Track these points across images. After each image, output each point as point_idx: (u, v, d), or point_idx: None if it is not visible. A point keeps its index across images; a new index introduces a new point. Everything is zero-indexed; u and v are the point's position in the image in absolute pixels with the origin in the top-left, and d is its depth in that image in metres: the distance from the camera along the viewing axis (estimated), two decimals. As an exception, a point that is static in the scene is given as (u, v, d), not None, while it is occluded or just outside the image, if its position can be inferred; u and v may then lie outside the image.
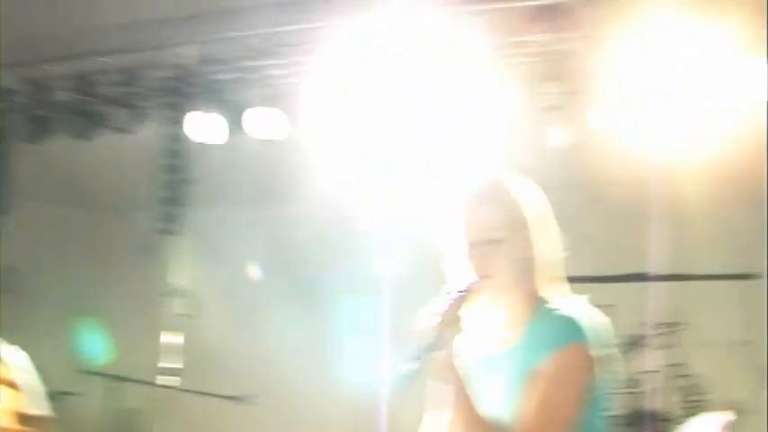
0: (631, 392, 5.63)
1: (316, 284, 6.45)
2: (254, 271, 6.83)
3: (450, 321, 2.00)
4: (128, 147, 5.70)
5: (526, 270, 2.07)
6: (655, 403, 5.62)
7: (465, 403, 2.01)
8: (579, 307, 2.05)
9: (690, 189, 5.13)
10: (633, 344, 5.61)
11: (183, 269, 6.67)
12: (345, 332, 6.42)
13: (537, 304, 2.07)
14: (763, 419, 5.45)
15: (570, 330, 1.97)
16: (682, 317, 5.64)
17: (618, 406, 5.66)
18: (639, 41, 4.48)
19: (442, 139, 4.94)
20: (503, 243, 2.05)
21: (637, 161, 4.90)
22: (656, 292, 5.60)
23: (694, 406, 5.20)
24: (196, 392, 6.37)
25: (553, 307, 2.04)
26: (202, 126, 5.30)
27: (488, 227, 2.06)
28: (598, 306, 2.06)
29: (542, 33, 4.69)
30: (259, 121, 5.20)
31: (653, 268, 5.52)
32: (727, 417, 2.05)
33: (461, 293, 2.03)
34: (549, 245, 2.10)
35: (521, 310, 2.07)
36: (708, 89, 4.58)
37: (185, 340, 6.57)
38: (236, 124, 5.24)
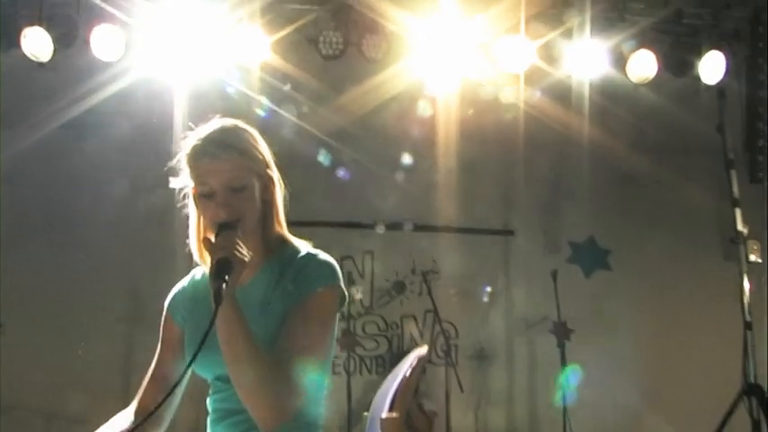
0: (391, 335, 6.01)
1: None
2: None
3: (233, 251, 1.92)
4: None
5: (270, 209, 2.14)
6: (412, 345, 6.01)
7: None
8: (319, 250, 2.15)
9: (462, 148, 5.49)
10: (393, 289, 5.99)
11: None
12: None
13: (281, 242, 2.16)
14: (506, 362, 6.04)
15: (328, 273, 2.09)
16: (437, 266, 6.04)
17: (379, 347, 6.08)
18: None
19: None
20: (249, 188, 2.07)
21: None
22: (412, 242, 5.93)
23: (447, 348, 5.59)
24: None
25: (308, 251, 2.14)
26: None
27: (235, 175, 2.04)
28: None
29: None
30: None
31: (410, 219, 5.87)
32: (423, 349, 2.27)
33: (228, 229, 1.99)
34: (281, 189, 2.18)
35: (262, 249, 2.12)
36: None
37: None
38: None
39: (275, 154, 2.18)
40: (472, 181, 5.85)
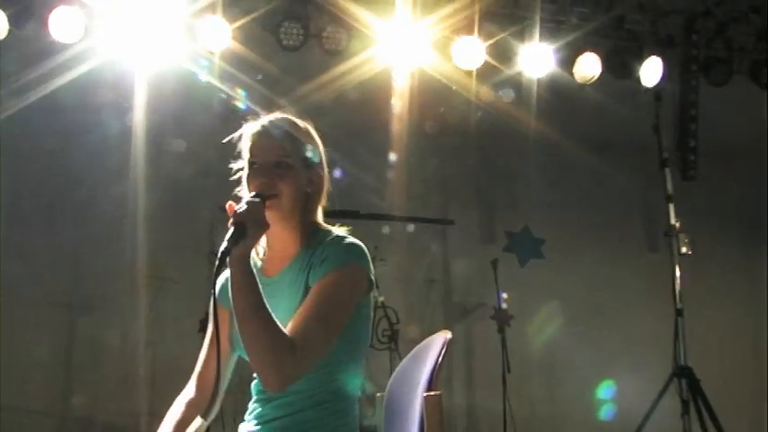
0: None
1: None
2: None
3: (252, 219, 2.07)
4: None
5: (311, 202, 2.30)
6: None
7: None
8: (349, 235, 2.28)
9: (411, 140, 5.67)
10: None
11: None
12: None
13: (316, 231, 2.30)
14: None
15: (353, 253, 2.21)
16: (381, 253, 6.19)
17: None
18: None
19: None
20: (292, 171, 2.23)
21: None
22: (357, 229, 6.07)
23: (391, 333, 5.76)
24: None
25: (337, 234, 2.27)
26: None
27: (281, 152, 2.22)
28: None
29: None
30: None
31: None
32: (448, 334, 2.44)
33: (257, 199, 2.13)
34: (326, 186, 2.34)
35: (299, 234, 2.27)
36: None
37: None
38: None
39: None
40: (417, 172, 6.04)
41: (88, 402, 5.69)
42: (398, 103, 5.33)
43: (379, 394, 2.66)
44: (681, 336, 5.10)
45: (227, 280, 2.34)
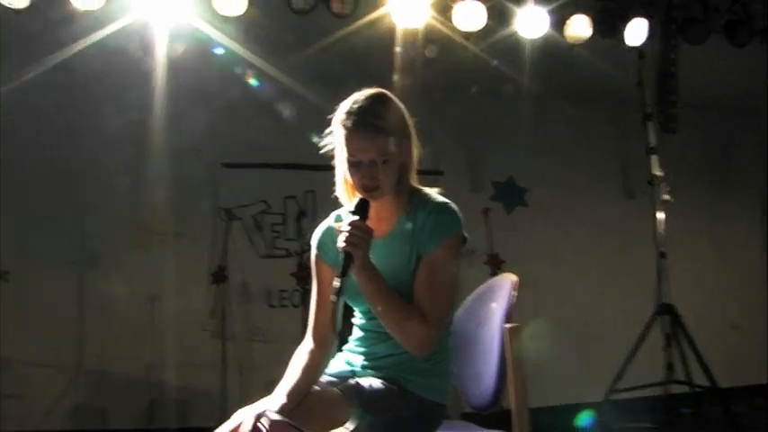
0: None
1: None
2: None
3: (358, 241, 2.28)
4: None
5: (407, 170, 2.48)
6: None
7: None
8: (444, 198, 2.49)
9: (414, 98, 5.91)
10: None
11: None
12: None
13: (415, 193, 2.50)
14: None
15: (455, 222, 2.44)
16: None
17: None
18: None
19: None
20: (392, 160, 2.38)
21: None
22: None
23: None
24: None
25: (435, 199, 2.47)
26: None
27: (379, 150, 2.33)
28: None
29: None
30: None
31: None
32: (514, 276, 2.80)
33: (358, 216, 2.33)
34: (417, 150, 2.50)
35: (399, 201, 2.47)
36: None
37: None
38: None
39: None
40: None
41: (100, 355, 5.88)
42: (400, 64, 5.57)
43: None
44: (664, 276, 5.56)
45: (324, 235, 2.59)
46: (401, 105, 2.47)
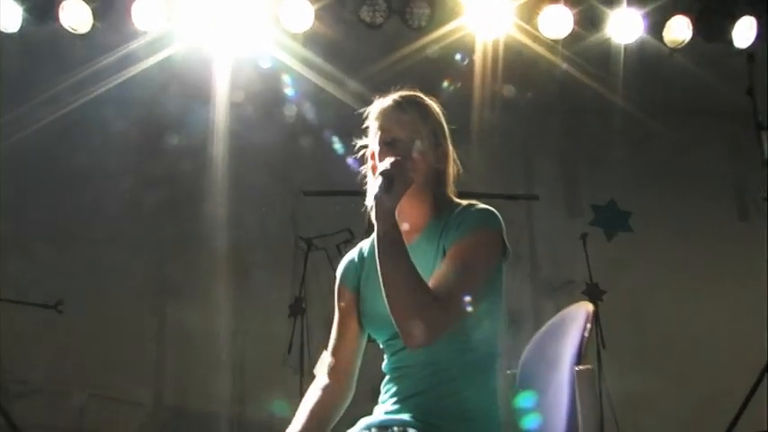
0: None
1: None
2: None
3: (399, 173, 2.11)
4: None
5: (441, 177, 2.33)
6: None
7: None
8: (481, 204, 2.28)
9: (494, 115, 5.59)
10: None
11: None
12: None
13: (448, 202, 2.32)
14: (534, 325, 6.16)
15: (491, 218, 2.23)
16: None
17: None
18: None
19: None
20: (424, 147, 2.26)
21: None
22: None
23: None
24: None
25: (471, 202, 2.28)
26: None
27: (412, 128, 2.25)
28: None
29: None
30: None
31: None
32: (590, 306, 2.35)
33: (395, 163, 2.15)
34: (455, 166, 2.37)
35: (429, 206, 2.31)
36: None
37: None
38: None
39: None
40: (500, 146, 5.97)
41: (178, 390, 5.76)
42: (481, 77, 5.25)
43: (509, 371, 2.60)
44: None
45: (348, 264, 2.45)
46: (439, 110, 2.38)
